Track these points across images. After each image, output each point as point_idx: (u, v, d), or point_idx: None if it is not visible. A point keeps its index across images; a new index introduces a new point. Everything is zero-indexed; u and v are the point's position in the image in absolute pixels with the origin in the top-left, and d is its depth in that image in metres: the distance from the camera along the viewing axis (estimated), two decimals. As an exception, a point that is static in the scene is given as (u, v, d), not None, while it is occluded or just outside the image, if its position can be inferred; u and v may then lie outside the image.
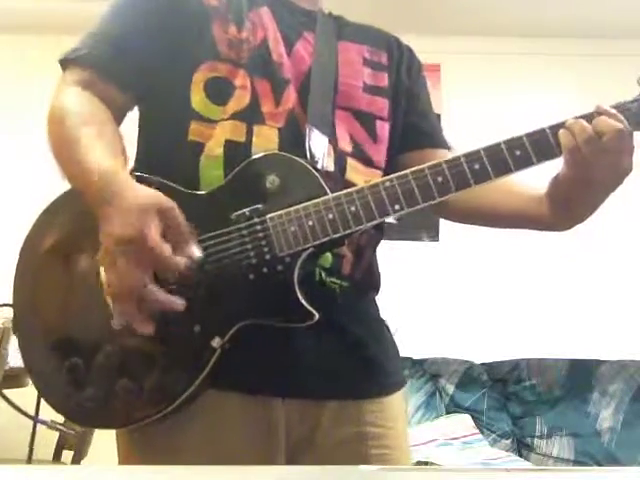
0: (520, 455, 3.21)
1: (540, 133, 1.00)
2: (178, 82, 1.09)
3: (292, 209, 1.00)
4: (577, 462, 3.16)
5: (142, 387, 0.99)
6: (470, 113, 3.67)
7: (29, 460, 2.80)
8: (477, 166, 0.99)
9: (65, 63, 1.11)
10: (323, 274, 1.07)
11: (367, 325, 1.15)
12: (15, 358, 2.99)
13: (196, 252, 0.93)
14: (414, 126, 1.26)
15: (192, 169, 1.06)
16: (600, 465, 3.11)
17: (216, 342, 0.98)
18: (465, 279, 3.67)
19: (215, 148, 1.06)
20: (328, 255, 1.07)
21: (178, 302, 0.94)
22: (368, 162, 1.16)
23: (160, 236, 0.90)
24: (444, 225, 3.69)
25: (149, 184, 0.99)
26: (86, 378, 1.01)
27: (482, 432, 3.18)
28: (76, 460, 2.87)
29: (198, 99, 1.08)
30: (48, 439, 2.98)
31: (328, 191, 1.01)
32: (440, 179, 0.99)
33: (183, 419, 1.01)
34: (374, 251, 1.19)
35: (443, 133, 1.32)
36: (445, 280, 3.67)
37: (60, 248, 1.06)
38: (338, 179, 1.09)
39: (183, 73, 1.09)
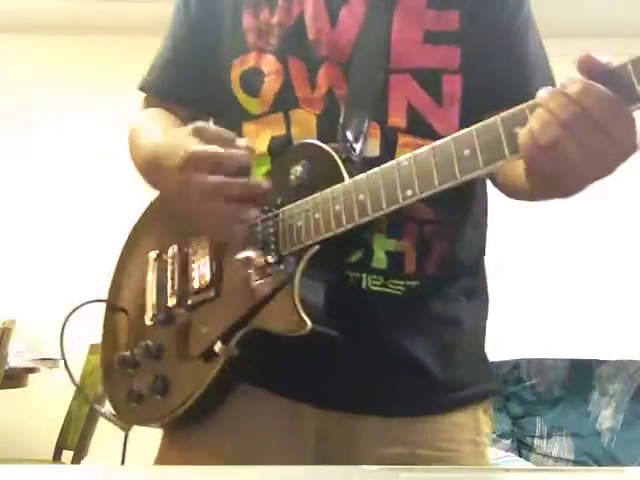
0: (520, 455, 3.21)
1: None
2: (223, 83, 1.05)
3: (303, 201, 0.89)
4: (577, 462, 3.16)
5: (157, 387, 0.98)
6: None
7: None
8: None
9: (140, 91, 1.15)
10: (379, 279, 0.95)
11: (431, 330, 0.98)
12: (15, 358, 2.99)
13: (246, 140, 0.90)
14: (505, 75, 1.00)
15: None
16: (600, 465, 3.11)
17: (218, 348, 0.92)
18: (465, 279, 3.66)
19: (261, 145, 0.99)
20: (382, 255, 0.95)
21: (264, 184, 0.90)
22: (428, 134, 0.94)
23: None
24: (444, 225, 3.68)
25: None
26: (121, 378, 1.02)
27: (482, 432, 3.17)
28: (76, 460, 2.88)
29: (240, 97, 1.03)
30: (48, 439, 2.98)
31: (347, 179, 0.86)
32: (467, 152, 0.76)
33: (220, 415, 0.97)
34: (453, 238, 0.99)
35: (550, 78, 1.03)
36: (445, 280, 3.66)
37: (138, 250, 1.10)
38: (383, 163, 0.87)
39: (224, 73, 1.05)
